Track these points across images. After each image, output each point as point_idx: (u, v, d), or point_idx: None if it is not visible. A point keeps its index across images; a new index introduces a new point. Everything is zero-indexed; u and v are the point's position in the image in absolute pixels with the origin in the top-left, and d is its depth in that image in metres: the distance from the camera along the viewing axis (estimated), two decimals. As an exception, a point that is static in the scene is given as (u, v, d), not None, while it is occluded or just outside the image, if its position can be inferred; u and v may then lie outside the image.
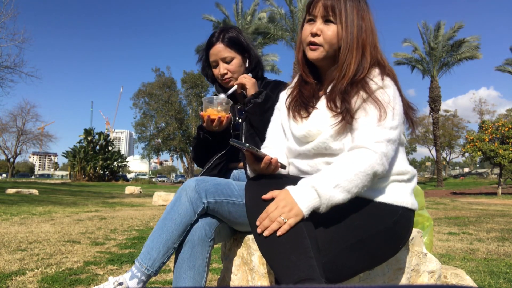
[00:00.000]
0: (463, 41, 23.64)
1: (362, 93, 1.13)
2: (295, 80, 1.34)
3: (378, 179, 1.12)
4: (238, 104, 1.70)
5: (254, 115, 1.55)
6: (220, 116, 1.50)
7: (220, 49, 1.64)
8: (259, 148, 1.45)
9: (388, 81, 1.15)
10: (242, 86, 1.60)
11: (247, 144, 1.06)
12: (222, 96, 1.58)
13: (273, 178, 1.10)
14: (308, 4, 1.22)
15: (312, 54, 1.20)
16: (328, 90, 1.21)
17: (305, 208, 0.99)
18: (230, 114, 1.58)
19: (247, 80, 1.59)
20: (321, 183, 1.01)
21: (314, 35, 1.19)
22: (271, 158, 1.08)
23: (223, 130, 1.59)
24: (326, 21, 1.18)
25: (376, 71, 1.16)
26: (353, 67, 1.15)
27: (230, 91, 1.62)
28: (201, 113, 1.55)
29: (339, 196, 1.01)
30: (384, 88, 1.13)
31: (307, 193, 1.00)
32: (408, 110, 1.21)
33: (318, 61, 1.22)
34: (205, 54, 1.71)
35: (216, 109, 1.52)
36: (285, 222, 0.97)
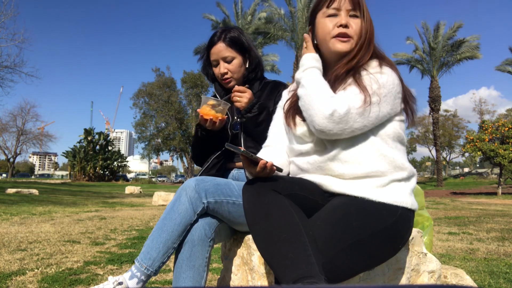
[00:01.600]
0: (463, 41, 23.63)
1: (350, 80, 1.16)
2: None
3: (377, 176, 1.12)
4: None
5: (248, 128, 1.56)
6: (212, 118, 1.50)
7: (221, 49, 1.63)
8: (260, 147, 1.45)
9: (384, 69, 1.17)
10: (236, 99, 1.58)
11: (242, 149, 1.06)
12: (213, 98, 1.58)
13: (271, 180, 1.10)
14: None
15: (343, 46, 1.21)
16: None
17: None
18: (226, 116, 1.58)
19: (242, 99, 1.56)
20: (311, 71, 1.21)
21: (344, 26, 1.20)
22: (266, 162, 1.08)
23: (221, 129, 1.59)
24: (351, 15, 1.21)
25: (374, 63, 1.19)
26: (358, 58, 1.19)
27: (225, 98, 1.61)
28: (198, 110, 1.56)
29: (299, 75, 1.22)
30: (375, 74, 1.15)
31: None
32: (410, 99, 1.22)
33: (343, 54, 1.22)
34: (206, 53, 1.71)
35: (212, 109, 1.52)
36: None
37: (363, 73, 1.16)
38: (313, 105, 1.11)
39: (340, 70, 1.19)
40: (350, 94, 1.12)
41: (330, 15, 1.22)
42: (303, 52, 1.29)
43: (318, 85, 1.15)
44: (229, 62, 1.64)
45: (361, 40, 1.20)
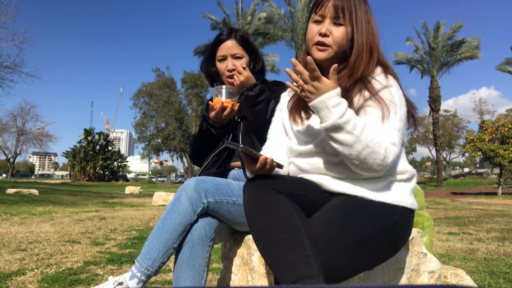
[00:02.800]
0: (463, 41, 23.64)
1: (365, 92, 1.13)
2: None
3: (377, 178, 1.12)
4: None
5: (245, 107, 1.59)
6: (233, 104, 1.56)
7: (231, 45, 1.66)
8: (259, 147, 1.45)
9: (391, 80, 1.16)
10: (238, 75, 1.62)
11: (242, 145, 1.06)
12: (223, 87, 1.61)
13: (271, 178, 1.10)
14: (316, 4, 1.22)
15: (319, 55, 1.20)
16: None
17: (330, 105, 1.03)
18: (239, 104, 1.62)
19: (242, 77, 1.60)
20: (349, 114, 1.03)
21: (323, 35, 1.19)
22: (266, 158, 1.08)
23: (225, 125, 1.62)
24: (335, 23, 1.19)
25: (378, 70, 1.18)
26: (362, 68, 1.17)
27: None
28: (210, 102, 1.58)
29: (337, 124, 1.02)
30: (388, 88, 1.14)
31: (338, 102, 1.03)
32: (410, 108, 1.22)
33: (325, 62, 1.22)
34: (210, 50, 1.72)
35: (227, 96, 1.57)
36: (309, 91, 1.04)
37: (376, 86, 1.13)
38: (369, 156, 1.03)
39: (346, 82, 1.17)
40: (389, 131, 1.08)
41: (316, 21, 1.22)
42: (320, 91, 1.04)
43: (369, 131, 1.04)
44: (237, 59, 1.67)
45: (354, 49, 1.18)
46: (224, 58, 1.67)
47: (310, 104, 1.05)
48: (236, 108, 1.58)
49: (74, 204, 9.04)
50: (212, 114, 1.58)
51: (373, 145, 1.02)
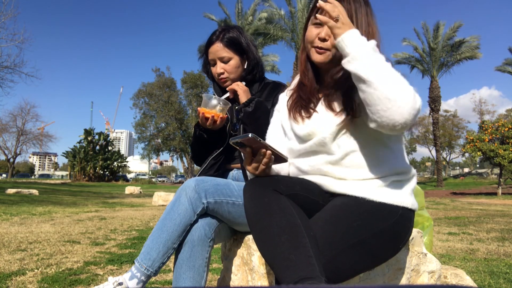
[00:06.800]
0: (463, 41, 23.65)
1: None
2: (295, 81, 1.34)
3: (378, 178, 1.12)
4: (236, 104, 1.69)
5: (246, 124, 1.54)
6: (213, 115, 1.50)
7: (218, 49, 1.62)
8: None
9: None
10: (234, 93, 1.59)
11: (251, 134, 1.03)
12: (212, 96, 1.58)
13: (272, 180, 1.10)
14: (316, 6, 1.22)
15: (318, 58, 1.20)
16: (328, 91, 1.21)
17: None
18: (226, 115, 1.57)
19: (239, 88, 1.58)
20: (369, 49, 1.01)
21: (322, 40, 1.19)
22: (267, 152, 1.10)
23: (219, 129, 1.59)
24: None
25: None
26: None
27: (223, 97, 1.59)
28: (198, 108, 1.55)
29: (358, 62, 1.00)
30: None
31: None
32: None
33: (323, 64, 1.22)
34: (205, 51, 1.70)
35: (213, 107, 1.52)
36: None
37: None
38: (400, 96, 0.96)
39: (343, 84, 1.15)
40: None
41: (316, 23, 1.21)
42: (338, 31, 1.05)
43: (394, 71, 1.00)
44: (225, 62, 1.63)
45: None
46: (214, 62, 1.65)
47: (340, 38, 1.04)
48: (218, 120, 1.51)
49: (74, 204, 9.04)
50: (200, 121, 1.57)
51: (400, 79, 0.98)
